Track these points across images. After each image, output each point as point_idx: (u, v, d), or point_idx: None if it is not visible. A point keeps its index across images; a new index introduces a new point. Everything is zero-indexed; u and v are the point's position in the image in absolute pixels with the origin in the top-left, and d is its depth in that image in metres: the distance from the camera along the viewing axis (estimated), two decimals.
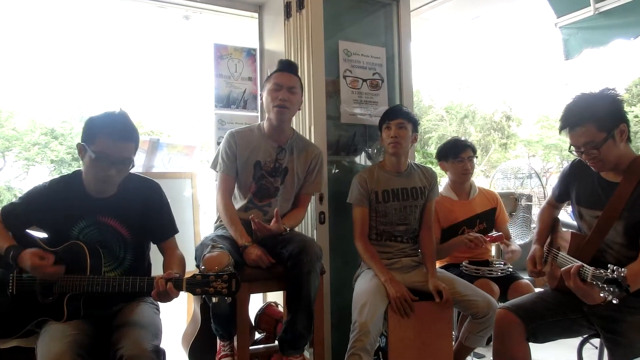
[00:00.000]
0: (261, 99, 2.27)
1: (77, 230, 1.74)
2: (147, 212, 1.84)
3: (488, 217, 2.78)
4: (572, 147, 1.81)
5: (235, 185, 2.25)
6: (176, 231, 1.92)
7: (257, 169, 2.21)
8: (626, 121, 1.74)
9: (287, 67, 2.23)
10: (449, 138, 2.94)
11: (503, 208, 2.85)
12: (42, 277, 1.62)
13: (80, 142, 1.71)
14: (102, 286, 1.62)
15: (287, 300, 2.03)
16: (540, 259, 1.97)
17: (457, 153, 2.75)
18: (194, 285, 1.56)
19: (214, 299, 1.58)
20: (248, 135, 2.25)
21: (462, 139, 2.87)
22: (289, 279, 1.98)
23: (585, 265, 1.60)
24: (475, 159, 2.79)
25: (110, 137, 1.68)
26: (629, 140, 1.78)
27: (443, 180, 2.98)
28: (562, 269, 1.68)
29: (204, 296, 1.97)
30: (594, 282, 1.51)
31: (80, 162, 1.77)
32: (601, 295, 1.47)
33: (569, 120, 1.78)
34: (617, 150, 1.73)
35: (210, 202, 2.29)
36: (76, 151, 1.75)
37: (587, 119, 1.72)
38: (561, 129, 1.82)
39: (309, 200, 2.37)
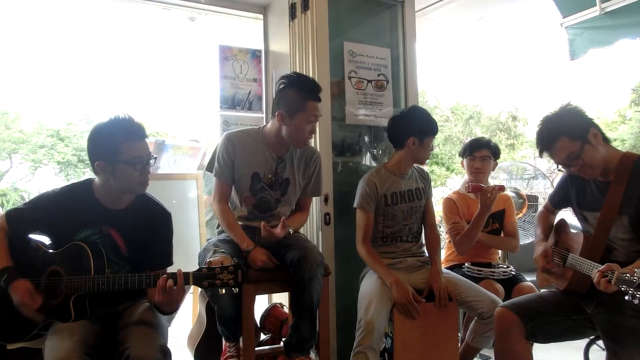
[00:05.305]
0: (280, 114, 2.07)
1: (81, 238, 1.72)
2: (150, 238, 1.80)
3: (500, 218, 2.77)
4: (558, 165, 1.89)
5: (234, 193, 2.21)
6: (171, 263, 1.85)
7: (256, 180, 2.16)
8: (595, 125, 1.82)
9: (319, 97, 2.12)
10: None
11: (512, 210, 2.82)
12: (23, 312, 1.60)
13: (99, 161, 1.69)
14: (108, 285, 1.61)
15: (291, 305, 2.05)
16: (550, 255, 2.00)
17: (472, 151, 2.73)
18: (201, 278, 1.55)
19: (220, 291, 1.56)
20: (246, 141, 2.17)
21: (486, 139, 2.83)
22: (292, 284, 1.99)
23: (608, 272, 1.57)
24: (491, 161, 2.74)
25: (134, 140, 1.70)
26: (606, 141, 1.84)
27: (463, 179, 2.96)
28: (594, 280, 1.63)
29: (209, 293, 1.97)
30: (620, 287, 1.49)
31: (90, 169, 1.74)
32: (626, 298, 1.45)
33: (544, 143, 1.88)
34: (599, 152, 1.80)
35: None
36: (82, 153, 1.75)
37: (559, 135, 1.83)
38: (540, 152, 1.91)
39: (310, 203, 2.38)
